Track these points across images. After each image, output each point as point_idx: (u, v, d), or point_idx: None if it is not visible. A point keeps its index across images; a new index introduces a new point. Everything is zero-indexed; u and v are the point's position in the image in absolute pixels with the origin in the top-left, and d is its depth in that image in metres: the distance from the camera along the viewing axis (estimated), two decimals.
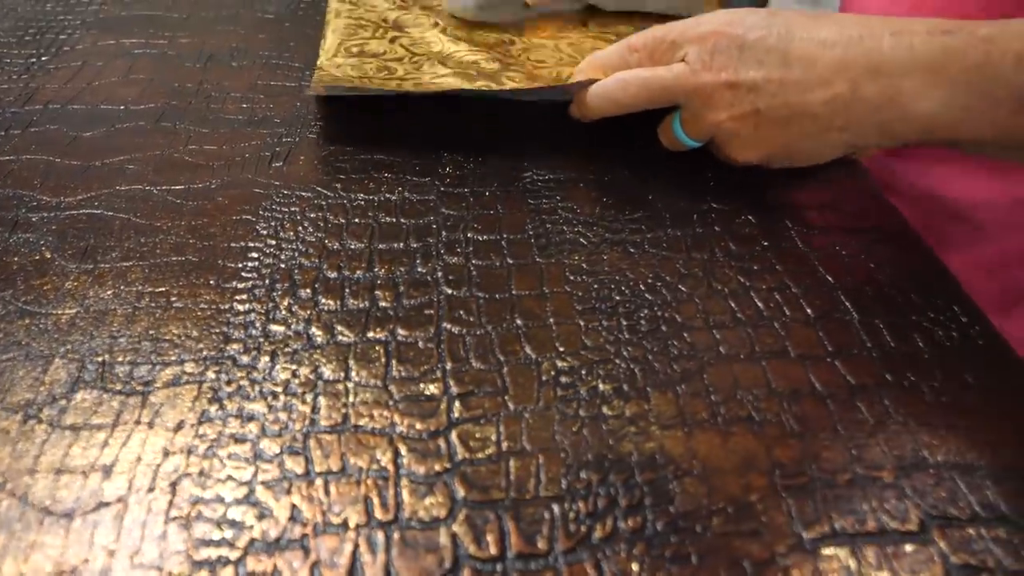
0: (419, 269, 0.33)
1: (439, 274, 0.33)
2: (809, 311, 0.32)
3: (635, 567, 0.23)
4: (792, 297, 0.33)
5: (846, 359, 0.30)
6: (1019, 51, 0.32)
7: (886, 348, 0.31)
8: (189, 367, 0.28)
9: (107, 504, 0.24)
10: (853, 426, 0.28)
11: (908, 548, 0.24)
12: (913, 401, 0.29)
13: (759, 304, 0.32)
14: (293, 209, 0.36)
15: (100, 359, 0.29)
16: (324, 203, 0.37)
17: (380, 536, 0.23)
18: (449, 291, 0.32)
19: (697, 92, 0.36)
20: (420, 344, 0.30)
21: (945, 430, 0.28)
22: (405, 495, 0.25)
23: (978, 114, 0.32)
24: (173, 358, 0.29)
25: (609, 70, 0.39)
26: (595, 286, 0.33)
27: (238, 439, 0.26)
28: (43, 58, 0.48)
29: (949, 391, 0.29)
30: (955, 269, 0.36)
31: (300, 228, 0.35)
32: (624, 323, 0.31)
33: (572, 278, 0.33)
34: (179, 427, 0.26)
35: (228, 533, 0.23)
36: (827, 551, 0.24)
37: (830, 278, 0.34)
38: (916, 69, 0.33)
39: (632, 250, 0.35)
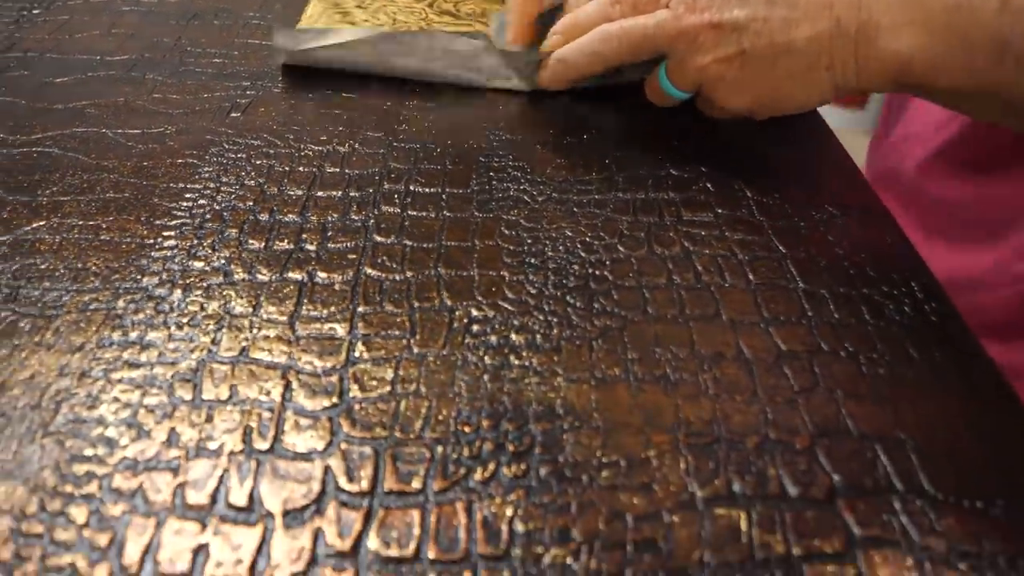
0: (352, 216, 0.32)
1: (371, 222, 0.32)
2: (752, 277, 0.31)
3: (508, 512, 0.22)
4: (736, 264, 0.31)
5: (781, 326, 0.28)
6: None
7: (827, 318, 0.29)
8: (103, 296, 0.28)
9: None
10: (774, 391, 0.26)
11: (809, 514, 0.22)
12: (846, 371, 0.27)
13: (699, 268, 0.31)
14: (240, 156, 0.36)
15: (17, 283, 0.28)
16: (273, 151, 0.36)
17: (252, 463, 0.23)
18: (378, 238, 0.31)
19: (681, 36, 0.35)
20: (336, 286, 0.29)
21: (876, 402, 0.26)
22: (286, 426, 0.24)
23: (954, 60, 0.30)
24: (88, 287, 0.29)
25: (590, 27, 0.38)
26: (529, 240, 0.32)
27: (132, 364, 0.26)
28: (34, 11, 0.49)
29: (888, 364, 0.27)
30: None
31: (243, 174, 0.35)
32: (552, 278, 0.30)
33: (507, 232, 0.32)
34: (78, 350, 0.26)
35: (101, 450, 0.23)
36: (719, 511, 0.22)
37: (782, 247, 0.32)
38: (895, 4, 0.31)
39: (576, 210, 0.33)
